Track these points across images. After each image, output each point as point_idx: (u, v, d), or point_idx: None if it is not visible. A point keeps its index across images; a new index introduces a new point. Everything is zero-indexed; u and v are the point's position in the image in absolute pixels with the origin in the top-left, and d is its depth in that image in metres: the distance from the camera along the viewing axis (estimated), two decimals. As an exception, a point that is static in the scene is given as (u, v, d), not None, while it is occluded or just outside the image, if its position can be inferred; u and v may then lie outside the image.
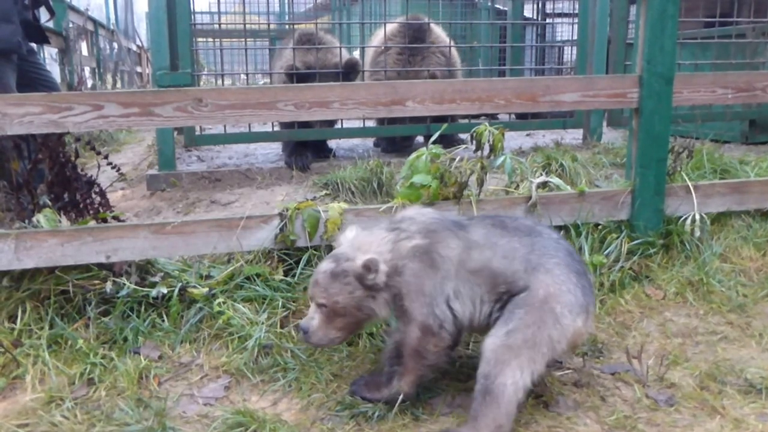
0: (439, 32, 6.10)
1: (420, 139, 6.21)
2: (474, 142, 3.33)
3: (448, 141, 5.33)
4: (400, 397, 2.35)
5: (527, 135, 6.53)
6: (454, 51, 6.09)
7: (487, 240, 2.39)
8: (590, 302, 2.35)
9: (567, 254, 2.38)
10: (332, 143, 6.22)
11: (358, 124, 5.69)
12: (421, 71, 5.57)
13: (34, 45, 4.82)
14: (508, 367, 2.16)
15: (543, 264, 2.32)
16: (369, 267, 2.30)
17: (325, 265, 2.39)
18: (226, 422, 2.22)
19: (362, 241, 2.42)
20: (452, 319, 2.34)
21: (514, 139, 5.98)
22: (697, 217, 3.55)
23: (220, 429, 2.20)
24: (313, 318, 2.40)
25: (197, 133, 5.78)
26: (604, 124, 6.24)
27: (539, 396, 2.47)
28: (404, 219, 2.47)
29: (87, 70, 10.61)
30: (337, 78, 5.38)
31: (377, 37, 6.32)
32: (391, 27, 5.92)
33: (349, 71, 5.50)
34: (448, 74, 5.66)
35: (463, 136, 6.14)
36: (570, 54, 7.00)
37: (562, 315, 2.24)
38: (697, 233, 3.53)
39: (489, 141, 3.32)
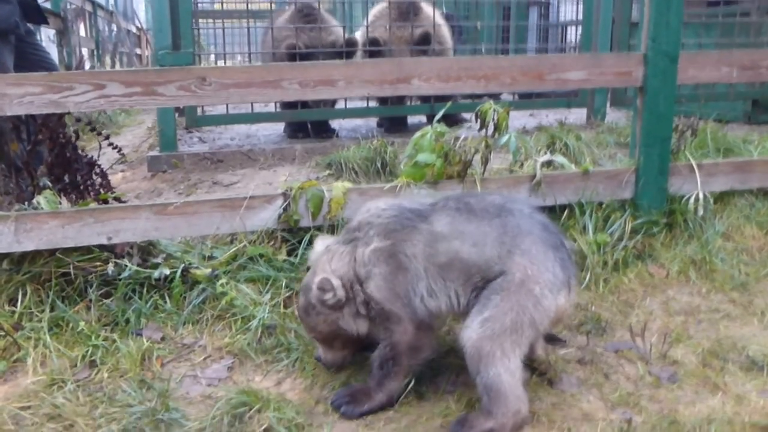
0: (428, 11, 6.07)
1: (423, 119, 6.19)
2: (478, 120, 3.30)
3: (450, 121, 5.31)
4: (397, 394, 2.30)
5: (531, 115, 6.50)
6: (445, 29, 6.08)
7: (453, 229, 2.26)
8: (571, 275, 2.27)
9: (542, 229, 2.27)
10: (335, 123, 6.21)
11: (361, 104, 5.67)
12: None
13: (32, 25, 4.78)
14: (494, 358, 2.10)
15: (518, 245, 2.20)
16: (323, 288, 2.25)
17: (299, 301, 2.41)
18: (229, 402, 2.21)
19: (321, 263, 2.36)
20: (432, 314, 2.28)
21: (518, 119, 5.95)
22: (701, 196, 3.53)
23: (224, 409, 2.19)
24: (318, 348, 2.48)
25: (199, 114, 5.77)
26: (608, 103, 6.21)
27: (543, 374, 2.46)
28: (360, 226, 2.36)
29: (85, 51, 10.55)
30: (337, 57, 5.36)
31: (371, 15, 6.29)
32: (379, 6, 5.90)
33: (349, 50, 5.49)
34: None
35: (466, 115, 6.14)
36: (574, 34, 6.94)
37: (542, 296, 2.15)
38: (701, 212, 3.52)
39: (493, 120, 3.29)
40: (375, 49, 5.60)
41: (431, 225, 2.28)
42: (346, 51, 5.48)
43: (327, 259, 2.35)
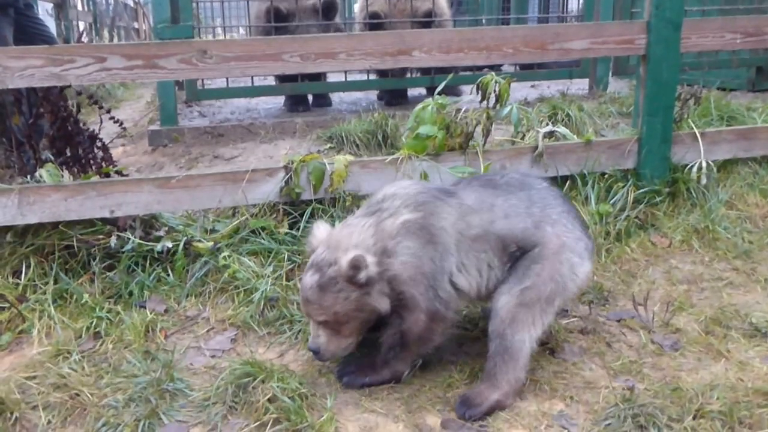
0: None
1: (423, 92, 6.15)
2: (479, 92, 3.28)
3: (449, 93, 5.29)
4: (404, 374, 2.29)
5: (532, 86, 6.45)
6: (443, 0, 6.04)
7: (482, 203, 2.27)
8: (592, 242, 2.35)
9: (563, 202, 2.36)
10: (335, 97, 6.20)
11: (360, 77, 5.64)
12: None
13: (30, -1, 4.75)
14: (523, 324, 2.14)
15: (548, 215, 2.26)
16: (357, 266, 2.10)
17: (310, 279, 2.18)
18: (233, 373, 2.22)
19: (339, 238, 2.22)
20: (457, 296, 2.25)
21: (519, 90, 5.91)
22: (704, 164, 3.52)
23: (228, 380, 2.20)
24: (318, 336, 2.24)
25: (198, 87, 5.73)
26: (610, 73, 6.16)
27: (545, 343, 2.47)
28: (385, 198, 2.28)
29: (83, 25, 10.47)
30: (317, 17, 5.37)
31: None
32: None
33: (328, 10, 5.44)
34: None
35: (464, 87, 6.11)
36: (576, 2, 6.87)
37: (578, 264, 2.22)
38: (704, 181, 3.51)
39: (495, 91, 3.27)
40: (375, 21, 5.55)
41: (460, 199, 2.27)
42: (323, 9, 5.43)
43: (347, 234, 2.21)
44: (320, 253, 2.22)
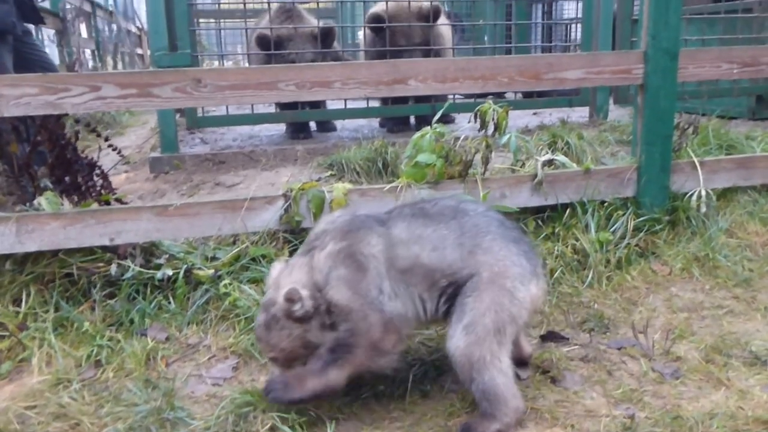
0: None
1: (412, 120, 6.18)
2: (478, 120, 3.31)
3: (440, 120, 5.31)
4: (339, 387, 2.16)
5: (533, 114, 6.49)
6: (446, 31, 6.09)
7: (410, 233, 2.21)
8: (536, 264, 2.26)
9: (499, 225, 2.27)
10: (337, 123, 6.27)
11: (361, 104, 5.68)
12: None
13: (29, 26, 4.79)
14: (483, 362, 2.08)
15: (478, 245, 2.19)
16: (291, 298, 2.12)
17: (259, 318, 2.25)
18: (234, 402, 2.22)
19: (281, 278, 2.26)
20: (399, 318, 2.18)
21: (520, 118, 5.95)
22: (703, 192, 3.54)
23: (229, 408, 2.20)
24: (272, 374, 2.30)
25: (199, 114, 5.77)
26: (611, 101, 6.20)
27: (546, 372, 2.47)
28: (317, 235, 2.29)
29: (86, 52, 10.55)
30: (314, 44, 5.44)
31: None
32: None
33: (325, 37, 5.51)
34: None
35: (456, 115, 6.16)
36: (577, 32, 6.93)
37: (515, 289, 2.15)
38: (703, 209, 3.53)
39: (493, 119, 3.29)
40: (377, 26, 5.59)
41: (389, 229, 2.23)
42: (321, 36, 5.49)
43: (287, 273, 2.25)
44: (267, 294, 2.28)
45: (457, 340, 2.11)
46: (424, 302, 2.21)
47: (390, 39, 5.57)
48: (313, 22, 5.83)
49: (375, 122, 6.47)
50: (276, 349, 2.21)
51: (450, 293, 2.19)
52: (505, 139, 3.30)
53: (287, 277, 2.23)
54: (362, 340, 2.12)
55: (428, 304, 2.21)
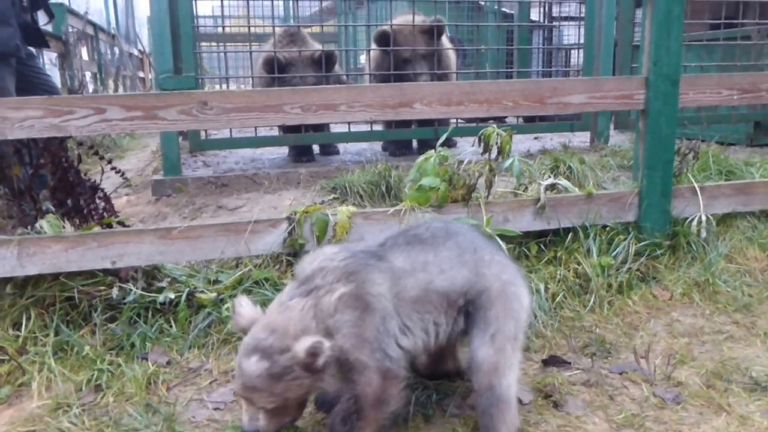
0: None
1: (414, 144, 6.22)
2: (482, 144, 3.32)
3: (443, 144, 5.36)
4: None
5: (535, 138, 6.53)
6: (450, 53, 6.16)
7: (413, 262, 2.20)
8: (520, 270, 2.39)
9: (484, 239, 2.39)
10: (340, 147, 6.31)
11: (365, 128, 5.71)
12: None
13: (33, 49, 4.82)
14: (504, 369, 2.14)
15: (480, 259, 2.24)
16: (315, 353, 1.96)
17: (256, 366, 2.01)
18: (235, 426, 2.21)
19: (282, 322, 2.07)
20: (404, 355, 2.15)
21: (522, 142, 5.98)
22: (703, 218, 3.55)
23: (230, 434, 2.19)
24: (256, 419, 2.10)
25: (202, 137, 5.79)
26: (612, 126, 6.24)
27: (549, 396, 2.46)
28: (314, 274, 2.14)
29: (88, 75, 10.60)
30: (317, 68, 5.51)
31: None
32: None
33: (327, 61, 5.60)
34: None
35: (457, 139, 6.22)
36: (577, 57, 6.99)
37: (521, 294, 2.25)
38: (703, 234, 3.54)
39: (497, 143, 3.31)
40: (383, 49, 5.69)
41: (390, 263, 2.19)
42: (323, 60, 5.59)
43: (288, 317, 2.08)
44: (262, 337, 2.05)
45: (488, 348, 2.15)
46: (438, 327, 2.21)
47: (396, 53, 5.69)
48: (316, 47, 5.89)
49: (377, 146, 6.50)
50: (279, 399, 2.05)
51: (467, 311, 2.23)
52: (508, 163, 3.32)
53: (295, 323, 2.06)
54: (367, 399, 2.08)
55: (442, 329, 2.22)
